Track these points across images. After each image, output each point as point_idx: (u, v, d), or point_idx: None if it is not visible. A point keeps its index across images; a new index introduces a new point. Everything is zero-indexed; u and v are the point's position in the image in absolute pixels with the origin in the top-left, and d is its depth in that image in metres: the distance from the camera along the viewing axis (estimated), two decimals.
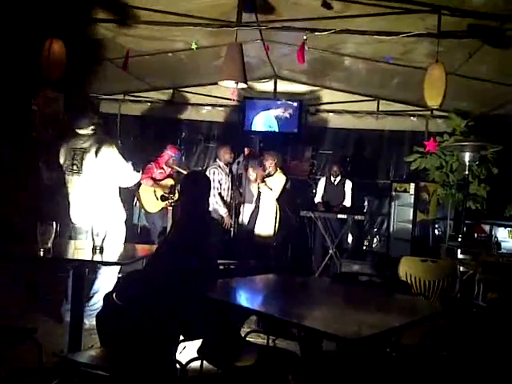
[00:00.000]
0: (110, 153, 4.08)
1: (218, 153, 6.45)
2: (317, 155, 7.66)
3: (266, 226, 6.02)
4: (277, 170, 6.13)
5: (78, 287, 3.15)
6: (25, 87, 5.77)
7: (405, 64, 5.24)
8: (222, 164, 6.25)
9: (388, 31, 3.95)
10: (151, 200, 6.19)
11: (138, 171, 4.34)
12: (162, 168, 6.29)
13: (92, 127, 4.11)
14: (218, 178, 6.10)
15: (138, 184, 6.07)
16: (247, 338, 2.84)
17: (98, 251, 3.01)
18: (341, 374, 2.43)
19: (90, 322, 3.69)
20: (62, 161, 4.18)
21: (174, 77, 6.97)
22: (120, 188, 4.28)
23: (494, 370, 2.43)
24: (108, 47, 5.23)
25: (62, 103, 6.80)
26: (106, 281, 4.06)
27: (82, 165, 4.06)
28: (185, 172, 5.89)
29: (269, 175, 6.09)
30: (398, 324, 2.10)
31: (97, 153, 4.04)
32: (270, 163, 6.10)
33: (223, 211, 6.04)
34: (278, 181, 6.06)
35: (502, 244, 5.99)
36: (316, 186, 7.10)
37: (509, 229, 6.13)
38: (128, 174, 4.20)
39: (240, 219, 6.25)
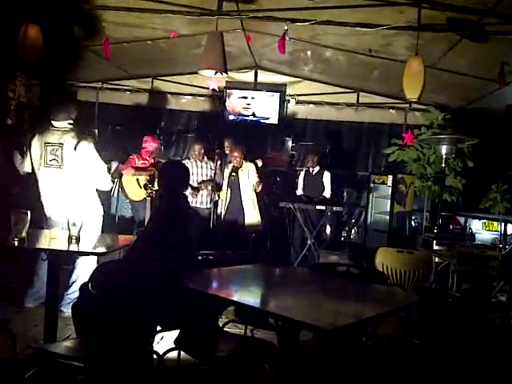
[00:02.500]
0: (88, 149, 4.01)
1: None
2: (297, 146, 7.67)
3: (249, 215, 6.06)
4: (242, 162, 6.11)
5: (53, 277, 3.10)
6: None
7: (385, 57, 5.27)
8: (193, 157, 6.41)
9: (368, 23, 3.96)
10: (135, 188, 6.14)
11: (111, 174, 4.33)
12: (145, 159, 6.25)
13: (70, 121, 4.04)
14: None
15: (120, 174, 6.03)
16: (225, 329, 2.84)
17: (74, 241, 2.97)
18: (318, 363, 2.45)
19: (68, 310, 3.66)
20: (35, 154, 4.07)
21: (153, 65, 6.88)
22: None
23: (466, 358, 2.48)
24: (86, 34, 5.12)
25: (38, 90, 6.66)
26: (85, 269, 4.02)
27: (62, 160, 3.98)
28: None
29: (236, 169, 6.09)
30: (374, 314, 2.12)
31: (75, 148, 3.97)
32: (236, 157, 6.07)
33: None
34: (248, 169, 6.08)
35: (476, 235, 6.12)
36: (296, 177, 7.12)
37: (483, 221, 6.27)
38: (103, 175, 4.14)
39: (218, 211, 6.26)
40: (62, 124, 4.02)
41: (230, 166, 6.13)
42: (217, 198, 6.20)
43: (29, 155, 4.11)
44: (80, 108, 4.59)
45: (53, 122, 4.03)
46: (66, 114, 4.03)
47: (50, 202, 4.07)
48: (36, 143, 4.06)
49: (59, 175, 4.01)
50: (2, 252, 3.57)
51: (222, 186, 6.22)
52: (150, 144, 6.28)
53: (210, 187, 6.11)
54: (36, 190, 4.10)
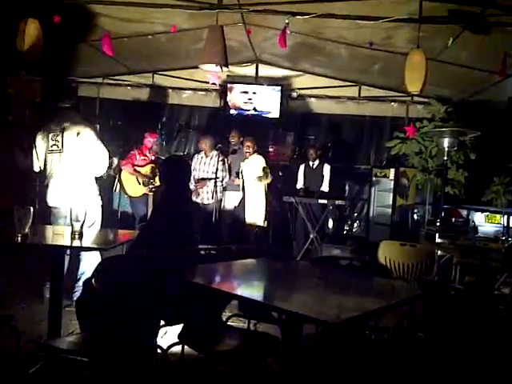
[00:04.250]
0: (90, 135, 4.09)
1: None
2: (298, 140, 7.66)
3: (255, 212, 6.10)
4: (252, 153, 6.25)
5: (56, 273, 3.11)
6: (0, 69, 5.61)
7: (386, 49, 5.24)
8: (202, 153, 6.41)
9: (370, 16, 3.93)
10: (133, 185, 6.16)
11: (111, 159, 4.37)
12: (146, 155, 6.25)
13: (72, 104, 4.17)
14: (193, 164, 6.27)
15: (119, 170, 6.05)
16: (228, 323, 2.85)
17: (77, 236, 2.97)
18: (321, 356, 2.45)
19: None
20: (39, 143, 4.14)
21: (153, 60, 6.86)
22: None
23: (469, 351, 2.48)
24: (86, 29, 5.11)
25: (38, 86, 6.65)
26: (91, 262, 4.04)
27: (62, 144, 4.06)
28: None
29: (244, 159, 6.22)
30: (378, 307, 2.12)
31: (78, 133, 4.06)
32: (247, 147, 6.22)
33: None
34: (256, 161, 6.14)
35: (479, 228, 6.10)
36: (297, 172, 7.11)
37: (485, 213, 6.25)
38: (103, 161, 4.18)
39: (222, 205, 6.28)
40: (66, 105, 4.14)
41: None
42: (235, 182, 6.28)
43: (34, 149, 4.17)
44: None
45: (60, 104, 4.15)
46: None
47: (53, 190, 4.09)
48: (40, 133, 4.16)
49: (60, 160, 4.09)
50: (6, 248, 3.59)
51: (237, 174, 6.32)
52: (148, 140, 6.29)
53: (208, 184, 6.12)
54: (45, 179, 4.16)
